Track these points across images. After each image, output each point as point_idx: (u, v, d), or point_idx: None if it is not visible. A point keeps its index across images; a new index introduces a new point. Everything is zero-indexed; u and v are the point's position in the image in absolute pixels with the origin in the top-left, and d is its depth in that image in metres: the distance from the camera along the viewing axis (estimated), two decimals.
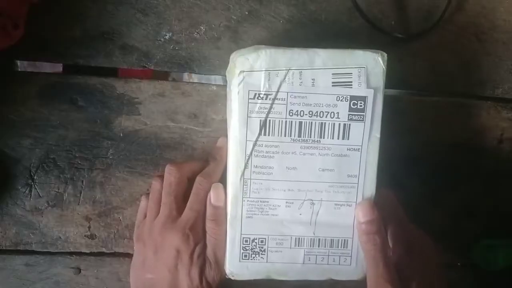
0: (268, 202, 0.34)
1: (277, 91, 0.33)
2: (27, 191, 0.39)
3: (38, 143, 0.39)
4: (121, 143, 0.40)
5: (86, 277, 0.40)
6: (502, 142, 0.43)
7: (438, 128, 0.43)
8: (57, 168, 0.39)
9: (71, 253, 0.40)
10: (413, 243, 0.35)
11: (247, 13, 0.40)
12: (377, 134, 0.33)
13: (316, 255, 0.35)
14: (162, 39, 0.40)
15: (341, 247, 0.35)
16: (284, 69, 0.32)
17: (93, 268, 0.40)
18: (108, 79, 0.39)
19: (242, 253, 0.35)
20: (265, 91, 0.33)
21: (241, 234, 0.35)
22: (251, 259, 0.35)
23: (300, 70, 0.32)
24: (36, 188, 0.39)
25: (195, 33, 0.40)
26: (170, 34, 0.40)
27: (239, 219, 0.35)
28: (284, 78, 0.32)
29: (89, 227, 0.40)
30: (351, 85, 0.33)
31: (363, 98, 0.33)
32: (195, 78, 0.43)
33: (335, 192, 0.34)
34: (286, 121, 0.33)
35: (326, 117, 0.33)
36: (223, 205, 0.35)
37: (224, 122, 0.37)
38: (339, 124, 0.33)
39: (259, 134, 0.33)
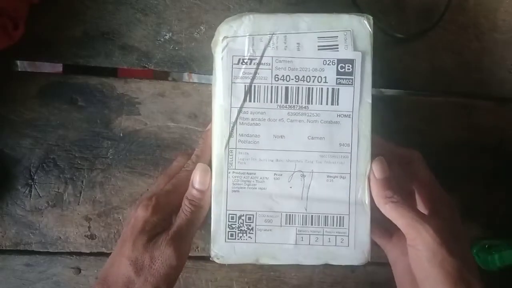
0: (255, 174, 0.32)
1: (262, 56, 0.32)
2: (27, 191, 0.39)
3: (38, 143, 0.39)
4: (121, 143, 0.40)
5: (86, 277, 0.40)
6: (502, 142, 0.43)
7: (438, 128, 0.43)
8: (57, 168, 0.39)
9: (71, 253, 0.40)
10: (438, 205, 0.33)
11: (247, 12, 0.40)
12: (368, 99, 0.32)
13: (310, 234, 0.32)
14: (162, 39, 0.40)
15: (336, 225, 0.32)
16: (269, 33, 0.32)
17: (93, 268, 0.40)
18: (108, 79, 0.39)
19: (228, 231, 0.32)
20: (249, 56, 0.32)
21: (226, 210, 0.32)
22: (238, 239, 0.32)
23: (285, 35, 0.32)
24: (36, 188, 0.39)
25: (195, 33, 0.40)
26: (170, 34, 0.40)
27: (224, 193, 0.32)
28: (269, 42, 0.32)
29: (89, 227, 0.40)
30: (338, 48, 0.32)
31: (351, 61, 0.32)
32: (195, 78, 0.43)
33: (327, 162, 0.32)
34: (271, 86, 0.32)
35: (313, 81, 0.32)
36: (207, 189, 0.32)
37: None
38: (327, 88, 0.32)
39: (244, 100, 0.32)
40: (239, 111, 0.32)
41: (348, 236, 0.32)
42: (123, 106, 0.40)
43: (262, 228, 0.33)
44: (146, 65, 0.40)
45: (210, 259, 0.33)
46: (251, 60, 0.32)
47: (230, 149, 0.32)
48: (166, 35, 0.40)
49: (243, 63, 0.32)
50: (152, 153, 0.40)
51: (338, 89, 0.32)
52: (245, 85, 0.32)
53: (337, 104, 0.32)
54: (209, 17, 0.40)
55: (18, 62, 0.40)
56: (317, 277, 0.42)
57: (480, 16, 0.42)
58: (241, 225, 0.32)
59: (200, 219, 0.33)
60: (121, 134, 0.40)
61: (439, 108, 0.43)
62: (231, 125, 0.32)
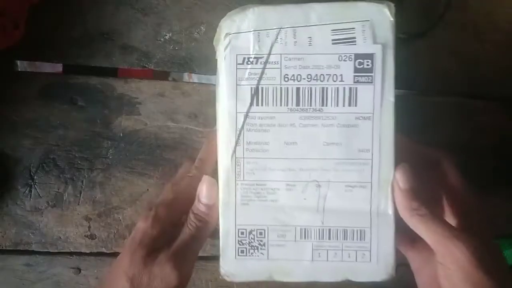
0: (265, 185, 0.29)
1: (269, 54, 0.28)
2: (27, 191, 0.39)
3: (38, 143, 0.39)
4: (121, 143, 0.40)
5: (86, 277, 0.40)
6: (502, 142, 0.43)
7: (438, 128, 0.42)
8: (57, 168, 0.39)
9: (71, 253, 0.40)
10: (472, 218, 0.29)
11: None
12: (390, 98, 0.29)
13: (327, 249, 0.29)
14: (162, 39, 0.40)
15: (357, 240, 0.29)
16: (276, 27, 0.28)
17: (93, 268, 0.40)
18: (108, 79, 0.39)
19: (238, 248, 0.30)
20: (255, 54, 0.29)
21: (235, 225, 0.30)
22: (249, 255, 0.30)
23: (294, 28, 0.28)
24: (36, 188, 0.39)
25: (195, 33, 0.40)
26: (170, 34, 0.40)
27: (233, 207, 0.30)
28: (276, 38, 0.28)
29: (89, 227, 0.40)
30: (355, 41, 0.28)
31: (370, 56, 0.28)
32: (195, 78, 0.43)
33: (345, 170, 0.29)
34: (281, 88, 0.29)
35: (327, 80, 0.28)
36: (214, 204, 0.30)
37: None
38: (344, 88, 0.28)
39: (251, 104, 0.29)
40: (246, 117, 0.29)
41: (370, 251, 0.29)
42: (123, 106, 0.40)
43: (275, 243, 0.30)
44: (146, 65, 0.40)
45: (220, 277, 0.31)
46: (257, 59, 0.29)
47: (237, 159, 0.29)
48: (166, 35, 0.40)
49: (249, 63, 0.29)
50: (152, 153, 0.40)
51: (356, 88, 0.28)
52: (251, 87, 0.29)
53: (355, 105, 0.28)
54: (209, 17, 0.40)
55: (18, 62, 0.40)
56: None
57: (480, 16, 0.42)
58: (252, 240, 0.30)
59: (205, 235, 0.31)
60: (121, 134, 0.40)
61: (439, 108, 0.43)
62: (237, 132, 0.29)
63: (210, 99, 0.40)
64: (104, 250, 0.40)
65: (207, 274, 0.41)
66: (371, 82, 0.28)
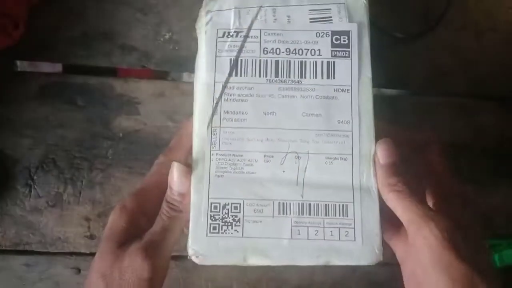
0: (242, 155, 0.28)
1: (249, 28, 0.29)
2: (27, 191, 0.39)
3: (38, 143, 0.39)
4: (120, 143, 0.40)
5: (86, 277, 0.40)
6: (502, 142, 0.43)
7: (438, 128, 0.42)
8: (57, 168, 0.39)
9: (71, 253, 0.40)
10: (449, 201, 0.28)
11: None
12: (368, 73, 0.29)
13: (308, 226, 0.27)
14: (162, 39, 0.40)
15: (339, 215, 0.27)
16: (256, 6, 0.30)
17: None
18: (108, 79, 0.40)
19: (210, 224, 0.27)
20: (235, 28, 0.29)
21: (208, 199, 0.27)
22: (222, 233, 0.27)
23: (274, 7, 0.30)
24: (36, 188, 0.39)
25: (195, 33, 0.40)
26: (170, 34, 0.40)
27: (206, 179, 0.28)
28: (256, 15, 0.30)
29: (88, 227, 0.40)
30: (331, 20, 0.30)
31: (347, 33, 0.29)
32: None
33: (325, 142, 0.28)
34: (260, 60, 0.29)
35: (306, 54, 0.29)
36: (187, 191, 0.28)
37: None
38: (322, 61, 0.29)
39: (230, 74, 0.29)
40: (224, 87, 0.29)
41: (354, 228, 0.27)
42: (122, 106, 0.40)
43: (251, 219, 0.27)
44: (146, 65, 0.40)
45: (188, 257, 0.27)
46: (237, 32, 0.29)
47: (213, 128, 0.28)
48: (166, 35, 0.40)
49: (229, 36, 0.29)
50: (151, 153, 0.40)
51: (334, 62, 0.29)
52: (230, 59, 0.29)
53: (334, 78, 0.29)
54: None
55: (18, 62, 0.40)
56: (318, 277, 0.42)
57: (480, 16, 0.42)
58: (226, 216, 0.27)
59: (179, 226, 0.28)
60: (121, 134, 0.40)
61: (439, 108, 0.43)
62: (215, 101, 0.29)
63: None
64: None
65: (207, 274, 0.41)
66: (348, 57, 0.29)
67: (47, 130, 0.39)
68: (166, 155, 0.30)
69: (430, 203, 0.29)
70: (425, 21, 0.41)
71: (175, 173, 0.28)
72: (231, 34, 0.29)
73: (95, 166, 0.40)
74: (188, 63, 0.40)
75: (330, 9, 0.30)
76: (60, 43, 0.39)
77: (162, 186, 0.29)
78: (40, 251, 0.40)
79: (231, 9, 0.30)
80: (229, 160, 0.28)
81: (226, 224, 0.27)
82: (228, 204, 0.27)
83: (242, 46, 0.29)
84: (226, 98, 0.29)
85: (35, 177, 0.39)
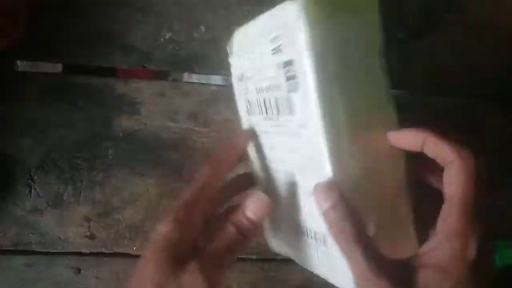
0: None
1: (245, 69, 0.31)
2: (27, 191, 0.39)
3: (38, 143, 0.39)
4: (121, 143, 0.40)
5: (86, 277, 0.40)
6: (502, 142, 0.43)
7: (438, 128, 0.42)
8: (57, 168, 0.39)
9: (71, 253, 0.40)
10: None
11: (247, 13, 0.40)
12: (314, 106, 0.24)
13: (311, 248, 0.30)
14: (162, 39, 0.40)
15: (321, 244, 0.28)
16: (245, 46, 0.31)
17: (93, 268, 0.40)
18: (108, 79, 0.40)
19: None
20: (241, 71, 0.32)
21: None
22: None
23: (254, 44, 0.29)
24: (36, 188, 0.39)
25: (195, 33, 0.40)
26: (170, 34, 0.40)
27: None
28: (248, 55, 0.31)
29: (89, 227, 0.40)
30: (281, 49, 0.26)
31: (291, 62, 0.25)
32: (195, 78, 0.43)
33: (304, 177, 0.28)
34: (256, 99, 0.30)
35: (274, 90, 0.28)
36: (259, 221, 0.28)
37: (223, 121, 0.37)
38: (284, 97, 0.27)
39: (247, 114, 0.33)
40: (249, 125, 0.33)
41: (335, 257, 0.26)
42: (123, 106, 0.40)
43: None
44: (146, 65, 0.40)
45: None
46: (242, 75, 0.32)
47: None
48: (166, 35, 0.40)
49: (240, 80, 0.32)
50: (152, 153, 0.40)
51: (289, 96, 0.26)
52: (244, 100, 0.33)
53: (293, 114, 0.26)
54: (209, 17, 0.40)
55: (18, 62, 0.40)
56: (318, 278, 0.42)
57: (481, 16, 0.42)
58: None
59: (243, 249, 0.28)
60: (121, 134, 0.40)
61: (439, 108, 0.43)
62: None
63: (210, 99, 0.40)
64: (104, 250, 0.40)
65: None
66: (297, 90, 0.25)
67: (48, 130, 0.39)
68: (214, 167, 0.30)
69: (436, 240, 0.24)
70: (425, 21, 0.41)
71: (255, 201, 0.28)
72: (239, 77, 0.33)
73: (95, 166, 0.40)
74: (188, 63, 0.40)
75: (279, 35, 0.26)
76: (60, 43, 0.39)
77: (209, 197, 0.29)
78: (40, 251, 0.40)
79: (237, 53, 0.32)
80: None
81: None
82: None
83: (246, 87, 0.32)
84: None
85: (35, 177, 0.39)
